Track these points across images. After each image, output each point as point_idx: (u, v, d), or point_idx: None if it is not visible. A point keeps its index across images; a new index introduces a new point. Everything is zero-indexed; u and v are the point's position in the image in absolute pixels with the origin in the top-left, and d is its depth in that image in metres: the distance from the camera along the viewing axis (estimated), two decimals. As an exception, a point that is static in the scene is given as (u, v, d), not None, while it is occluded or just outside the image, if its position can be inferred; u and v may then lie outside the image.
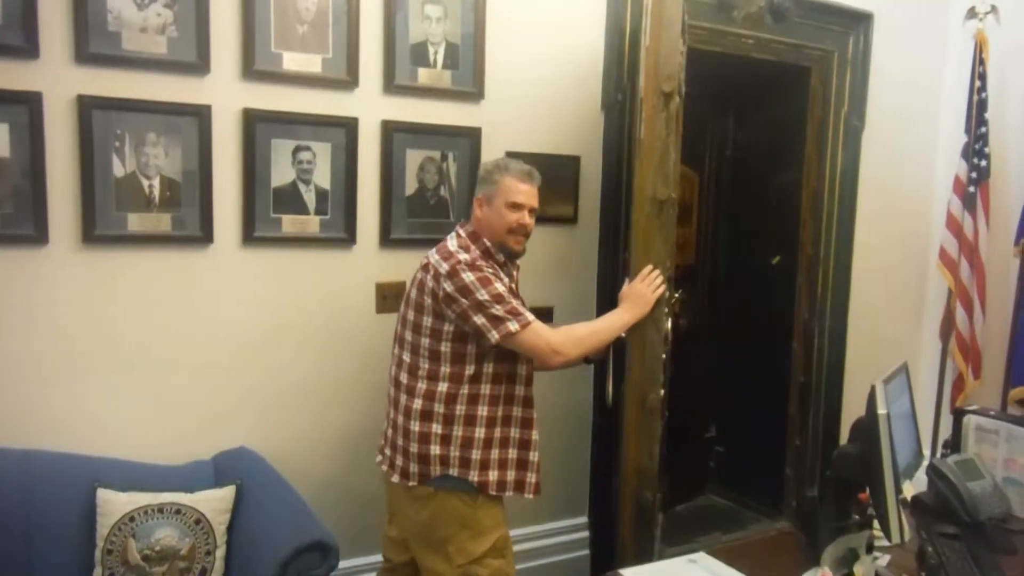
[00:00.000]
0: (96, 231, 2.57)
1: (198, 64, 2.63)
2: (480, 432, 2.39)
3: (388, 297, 3.05)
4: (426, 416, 2.38)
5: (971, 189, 3.80)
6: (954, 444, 2.74)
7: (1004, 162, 3.89)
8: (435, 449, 2.37)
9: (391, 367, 2.56)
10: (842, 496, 2.21)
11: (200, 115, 2.65)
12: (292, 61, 2.78)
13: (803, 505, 2.39)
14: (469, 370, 2.38)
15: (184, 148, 2.65)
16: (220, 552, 2.46)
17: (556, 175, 3.31)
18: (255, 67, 2.72)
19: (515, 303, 2.36)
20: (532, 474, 2.48)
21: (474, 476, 2.39)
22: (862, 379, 2.16)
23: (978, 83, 3.80)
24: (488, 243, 2.48)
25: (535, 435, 2.50)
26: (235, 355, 2.83)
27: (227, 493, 2.53)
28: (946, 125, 4.18)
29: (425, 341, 2.39)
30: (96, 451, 2.59)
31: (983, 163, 3.79)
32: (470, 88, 3.10)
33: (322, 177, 2.87)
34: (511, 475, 2.46)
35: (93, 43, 2.49)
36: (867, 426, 2.10)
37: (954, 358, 3.91)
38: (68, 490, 2.43)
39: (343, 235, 2.94)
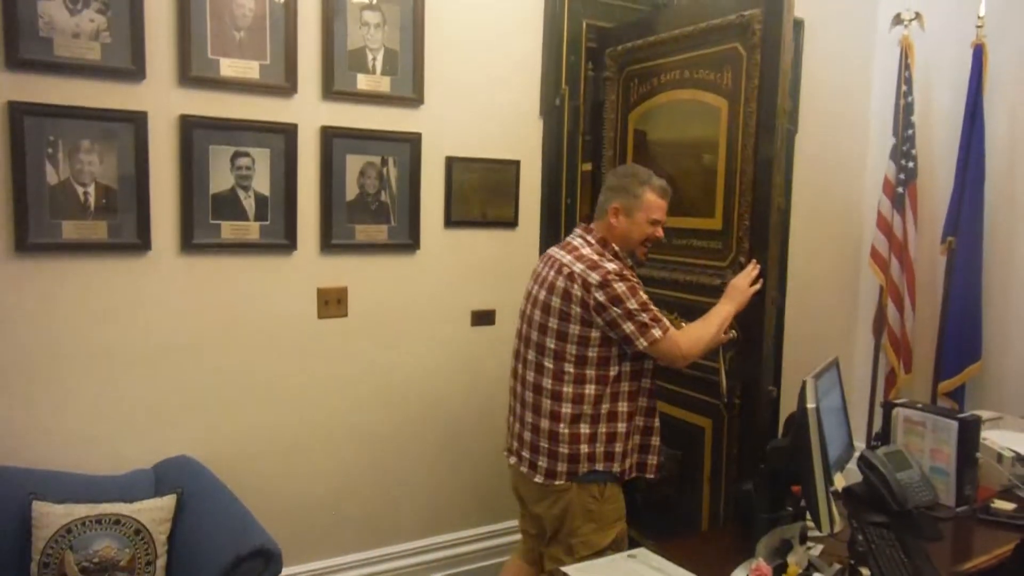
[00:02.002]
0: (29, 239, 2.53)
1: (133, 70, 2.61)
2: (622, 427, 2.51)
3: (329, 302, 3.05)
4: (576, 419, 2.47)
5: (900, 190, 3.92)
6: (884, 436, 2.83)
7: (930, 163, 4.02)
8: (584, 448, 2.48)
9: (521, 372, 2.62)
10: (775, 489, 2.27)
11: (136, 121, 2.63)
12: (229, 67, 2.77)
13: (738, 498, 2.44)
14: (612, 371, 2.48)
15: (120, 155, 2.62)
16: (161, 562, 2.43)
17: (496, 179, 3.36)
18: (191, 73, 2.70)
19: (655, 310, 2.46)
20: (653, 456, 2.61)
21: (617, 467, 2.53)
22: (798, 375, 2.24)
23: (904, 87, 3.92)
24: (617, 249, 2.56)
25: (657, 421, 2.62)
26: (175, 363, 2.80)
27: (167, 502, 2.50)
28: (875, 128, 4.32)
29: (571, 348, 2.46)
30: (31, 463, 2.56)
31: (910, 164, 3.91)
32: (410, 94, 3.12)
33: (261, 183, 2.87)
34: (635, 459, 2.58)
35: (23, 49, 2.46)
36: (798, 420, 2.17)
37: (886, 353, 4.03)
38: (1, 503, 2.39)
39: (283, 241, 2.93)
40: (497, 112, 3.34)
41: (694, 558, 2.21)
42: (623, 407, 2.52)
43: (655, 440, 2.61)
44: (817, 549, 2.29)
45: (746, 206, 2.78)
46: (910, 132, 3.92)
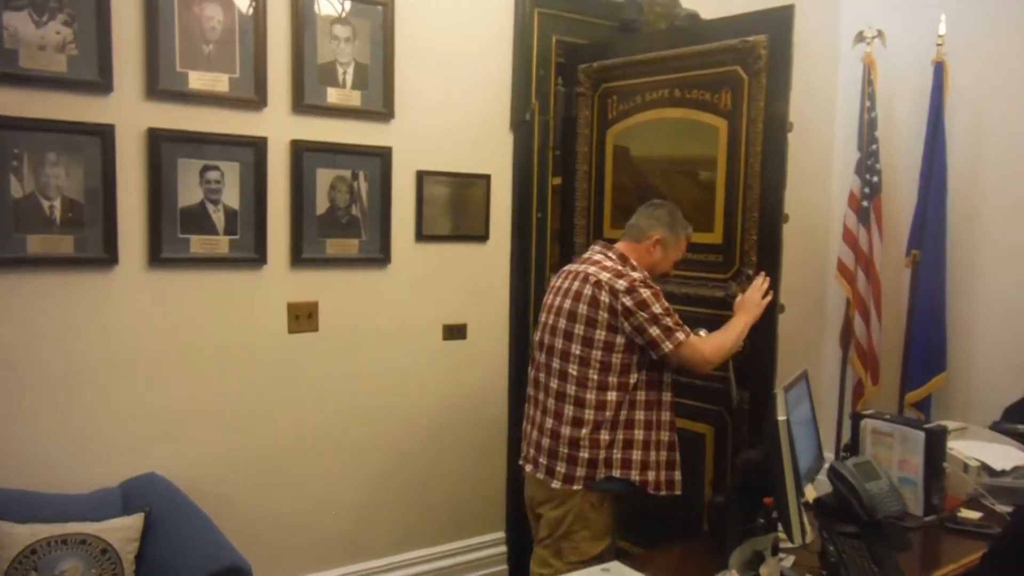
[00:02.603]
0: (-7, 254, 2.49)
1: (100, 83, 2.59)
2: (639, 435, 2.56)
3: (300, 317, 3.03)
4: (598, 425, 2.52)
5: (865, 203, 3.99)
6: (852, 447, 2.85)
7: (894, 177, 4.09)
8: (603, 453, 2.53)
9: (544, 380, 2.65)
10: (748, 500, 2.29)
11: (103, 134, 2.60)
12: (198, 80, 2.75)
13: (712, 510, 2.45)
14: (632, 378, 2.55)
15: (86, 168, 2.59)
16: (129, 582, 2.40)
17: (467, 193, 3.37)
18: (160, 86, 2.68)
19: (677, 316, 2.55)
20: (677, 472, 2.65)
21: (636, 476, 2.55)
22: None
23: (868, 103, 3.99)
24: (636, 266, 2.65)
25: (676, 436, 2.67)
26: (142, 379, 2.76)
27: (135, 521, 2.46)
28: (839, 143, 4.39)
29: (597, 353, 2.52)
30: (-6, 482, 2.50)
31: (875, 179, 3.98)
32: (380, 108, 3.11)
33: (231, 197, 2.84)
34: (664, 475, 2.61)
35: (-12, 61, 2.43)
36: (769, 432, 2.18)
37: (853, 365, 4.09)
38: (-37, 524, 2.33)
39: (253, 255, 2.91)
40: (467, 126, 3.35)
41: (668, 571, 2.22)
42: (640, 415, 2.57)
43: (677, 456, 2.67)
44: (789, 560, 2.30)
45: (752, 221, 2.89)
46: (874, 147, 3.99)
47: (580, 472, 2.53)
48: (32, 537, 2.32)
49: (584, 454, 2.53)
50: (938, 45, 3.80)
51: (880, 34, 3.98)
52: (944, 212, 3.81)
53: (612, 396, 2.53)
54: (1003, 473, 2.80)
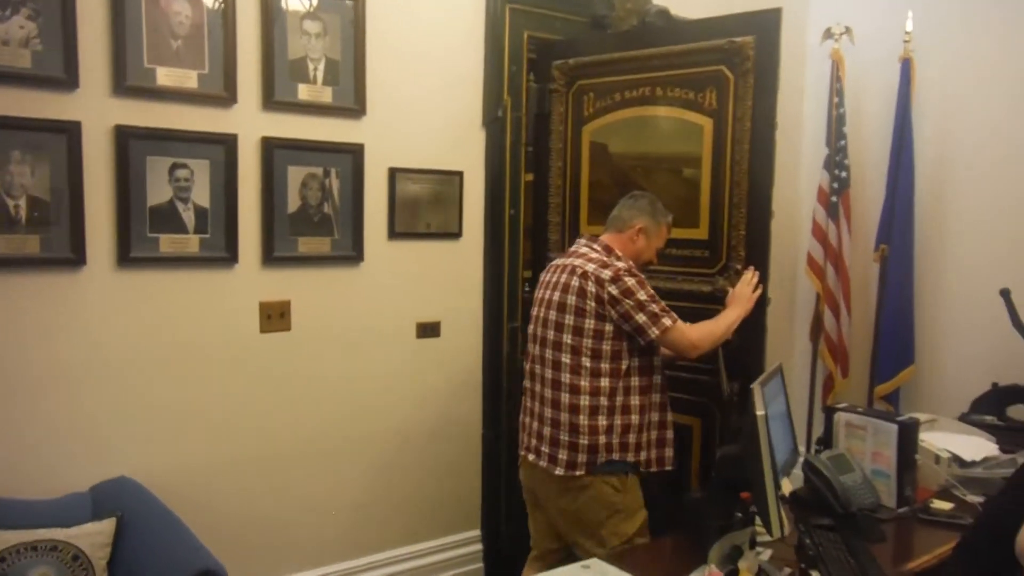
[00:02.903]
0: (-44, 254, 2.43)
1: (65, 79, 2.53)
2: (635, 419, 2.64)
3: (272, 316, 2.99)
4: (594, 411, 2.60)
5: (833, 199, 4.02)
6: (826, 440, 2.88)
7: (863, 173, 4.14)
8: (602, 439, 2.60)
9: (539, 371, 2.72)
10: (726, 496, 2.30)
11: (69, 132, 2.54)
12: (167, 76, 2.70)
13: (689, 506, 2.46)
14: (624, 364, 2.62)
15: (52, 166, 2.53)
16: (101, 589, 2.35)
17: (440, 190, 3.35)
18: (127, 82, 2.63)
19: (663, 303, 2.63)
20: (669, 449, 2.75)
21: (632, 457, 2.64)
22: (740, 381, 2.32)
23: (836, 99, 4.03)
24: (620, 256, 2.72)
25: (670, 416, 2.77)
26: (112, 381, 2.71)
27: (107, 526, 2.42)
28: (808, 138, 4.42)
29: (587, 342, 2.60)
30: (-40, 489, 2.44)
31: (843, 174, 4.02)
32: (351, 104, 3.08)
33: (201, 195, 2.80)
34: (654, 453, 2.71)
35: (-52, 57, 2.36)
36: (747, 427, 2.19)
37: (823, 359, 4.12)
38: (-72, 533, 2.28)
39: (224, 254, 2.86)
40: (440, 123, 3.33)
41: (647, 567, 2.22)
42: (635, 400, 2.65)
43: (669, 433, 2.76)
44: (766, 554, 2.31)
45: (740, 217, 2.97)
46: (842, 143, 4.03)
47: (581, 458, 2.59)
48: (1, 544, 2.27)
49: (584, 440, 2.59)
50: (905, 42, 3.84)
51: (848, 31, 4.01)
52: (912, 207, 3.86)
53: (605, 382, 2.60)
54: (973, 464, 2.85)
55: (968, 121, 3.83)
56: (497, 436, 3.58)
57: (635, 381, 2.65)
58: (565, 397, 2.62)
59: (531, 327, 2.80)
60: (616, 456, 2.61)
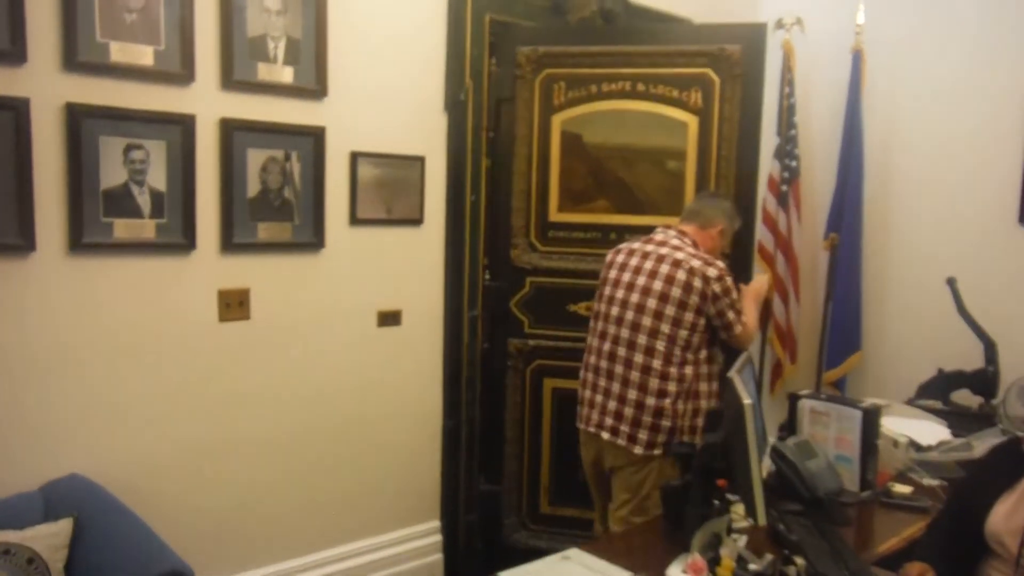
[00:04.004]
0: None
1: (12, 53, 2.36)
2: (703, 403, 2.86)
3: (231, 305, 2.88)
4: (677, 396, 2.81)
5: (784, 188, 4.08)
6: (790, 427, 2.92)
7: (812, 162, 4.21)
8: (681, 422, 2.82)
9: (624, 354, 2.86)
10: (707, 483, 2.31)
11: (16, 110, 2.37)
12: (120, 52, 2.55)
13: (666, 494, 2.46)
14: (703, 354, 2.86)
15: (-1, 146, 2.37)
16: (60, 593, 2.23)
17: (402, 176, 3.27)
18: (78, 58, 2.47)
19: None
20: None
21: (696, 439, 2.79)
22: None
23: (787, 89, 4.08)
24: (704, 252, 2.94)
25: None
26: (62, 373, 2.57)
27: (63, 527, 2.29)
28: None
29: (683, 332, 2.79)
30: (-100, 491, 2.28)
31: (793, 163, 4.07)
32: (312, 85, 2.98)
33: (157, 178, 2.66)
34: (699, 437, 2.84)
35: None
36: (731, 416, 2.20)
37: (773, 345, 4.19)
38: None
39: (181, 240, 2.74)
40: (402, 106, 3.25)
41: (627, 555, 2.21)
42: (703, 386, 2.87)
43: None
44: (742, 540, 2.33)
45: None
46: (793, 132, 4.08)
47: (661, 438, 2.81)
48: (-50, 549, 2.13)
49: (667, 423, 2.80)
50: (856, 34, 3.91)
51: (799, 21, 4.06)
52: (861, 196, 3.94)
53: (689, 370, 2.82)
54: (929, 448, 2.93)
55: (916, 112, 3.93)
56: (457, 425, 3.54)
57: (705, 369, 2.87)
58: (654, 382, 2.80)
59: (608, 307, 2.92)
60: (686, 438, 2.82)
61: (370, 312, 3.26)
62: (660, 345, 2.80)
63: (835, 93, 4.06)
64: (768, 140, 4.19)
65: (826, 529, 2.32)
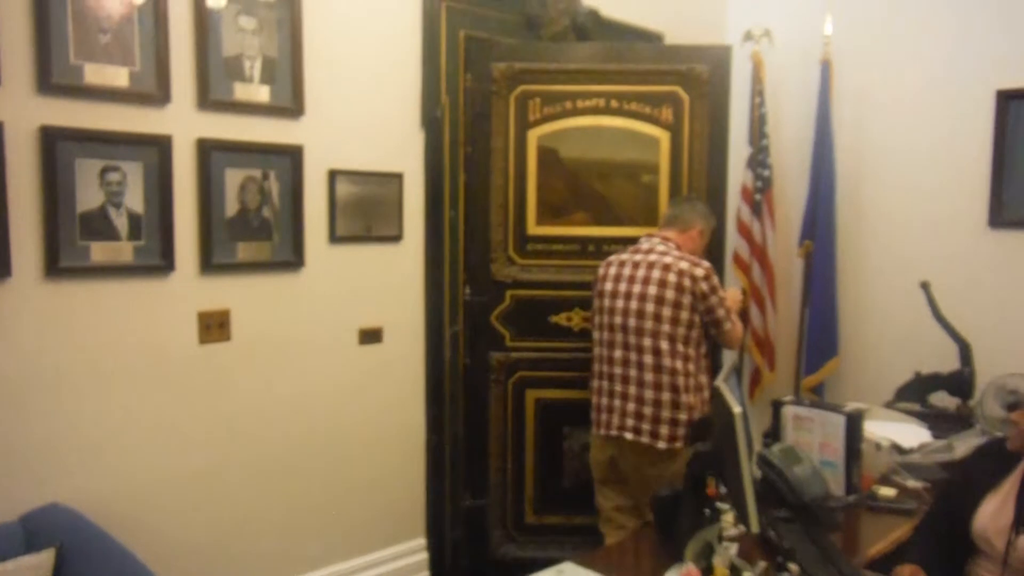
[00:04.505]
0: None
1: (-15, 76, 2.33)
2: (706, 394, 3.05)
3: (211, 326, 2.84)
4: (687, 389, 2.98)
5: (757, 196, 4.12)
6: (774, 433, 2.94)
7: (785, 171, 4.26)
8: (695, 414, 2.99)
9: (635, 358, 3.02)
10: (698, 492, 2.31)
11: (-10, 133, 2.34)
12: (95, 73, 2.52)
13: (657, 505, 2.46)
14: (702, 349, 3.06)
15: (-29, 171, 2.32)
16: (43, 627, 2.18)
17: (380, 193, 3.27)
18: (53, 80, 2.44)
19: None
20: None
21: None
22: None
23: (758, 99, 4.13)
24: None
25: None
26: (41, 400, 2.51)
27: (45, 559, 2.24)
28: (731, 138, 4.49)
29: (682, 330, 2.98)
30: None
31: (766, 172, 4.12)
32: (289, 104, 2.96)
33: (134, 200, 2.63)
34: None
35: None
36: (722, 425, 2.21)
37: (751, 352, 4.22)
38: None
39: (159, 262, 2.70)
40: (379, 123, 3.24)
41: (621, 567, 2.22)
42: (703, 379, 3.06)
43: None
44: (733, 548, 2.34)
45: None
46: (765, 142, 4.13)
47: (681, 431, 2.97)
48: (-70, 585, 2.08)
49: (683, 416, 2.97)
50: (824, 45, 3.97)
51: (768, 33, 4.12)
52: (833, 204, 3.99)
53: (692, 365, 3.01)
54: (911, 451, 2.97)
55: (884, 121, 4.00)
56: (441, 441, 3.52)
57: (703, 363, 3.07)
58: (666, 379, 2.97)
59: (610, 317, 3.08)
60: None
61: (351, 330, 3.24)
62: (664, 344, 2.97)
63: (806, 103, 4.12)
64: (741, 150, 4.25)
65: (816, 534, 2.33)
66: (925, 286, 3.63)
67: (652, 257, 3.04)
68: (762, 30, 4.14)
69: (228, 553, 2.96)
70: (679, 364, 2.97)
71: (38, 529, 2.39)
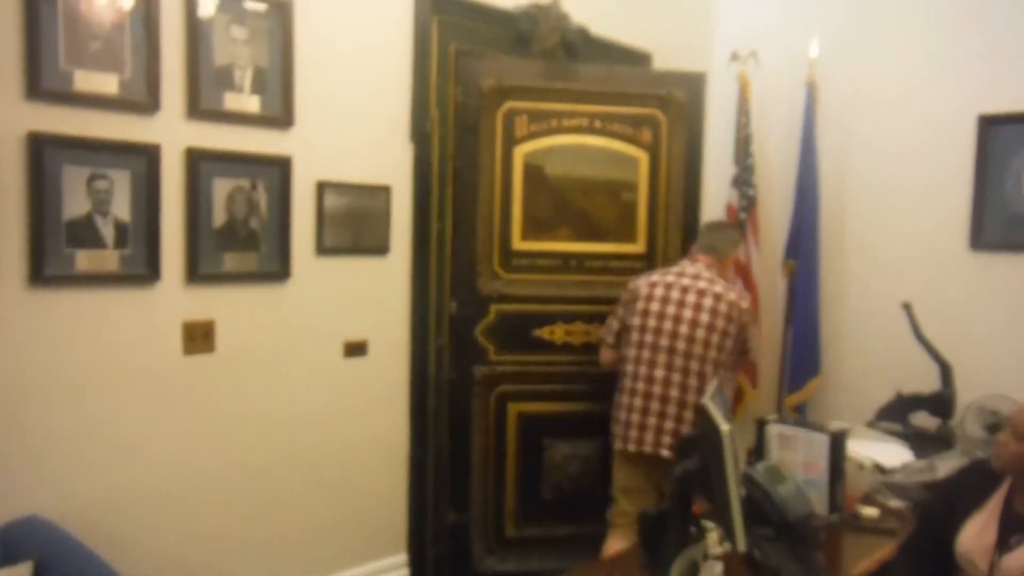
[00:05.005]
0: None
1: (-27, 81, 2.30)
2: None
3: (196, 337, 2.82)
4: (694, 407, 3.11)
5: (742, 215, 4.15)
6: (758, 452, 2.95)
7: (769, 190, 4.30)
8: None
9: (680, 380, 3.16)
10: (684, 510, 2.32)
11: (-23, 139, 2.32)
12: (85, 80, 2.50)
13: (642, 523, 2.46)
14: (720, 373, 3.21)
15: (-42, 176, 2.30)
16: (20, 641, 2.14)
17: (368, 205, 3.26)
18: (42, 86, 2.42)
19: None
20: None
21: None
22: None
23: (743, 119, 4.17)
24: None
25: None
26: (21, 410, 2.48)
27: (23, 572, 2.20)
28: (713, 157, 4.51)
29: (713, 354, 3.17)
30: None
31: (751, 191, 4.16)
32: (279, 114, 2.95)
33: (121, 208, 2.61)
34: None
35: None
36: (709, 443, 2.21)
37: (734, 370, 4.24)
38: None
39: (145, 271, 2.68)
40: (368, 136, 3.24)
41: (607, 586, 2.21)
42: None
43: None
44: (718, 567, 2.34)
45: (674, 234, 3.76)
46: (749, 161, 4.17)
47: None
48: (-95, 598, 2.04)
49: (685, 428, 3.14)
50: (810, 67, 4.02)
51: (754, 54, 4.16)
52: (817, 223, 4.03)
53: (705, 384, 3.13)
54: (894, 471, 2.99)
55: (868, 143, 4.05)
56: (424, 455, 3.50)
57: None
58: (692, 398, 3.13)
59: (656, 338, 3.19)
60: None
61: (336, 342, 3.22)
62: (694, 365, 3.16)
63: (791, 123, 4.15)
64: (725, 169, 4.29)
65: (801, 553, 2.34)
66: (907, 307, 3.67)
67: (701, 284, 3.21)
68: (749, 51, 4.18)
69: (209, 566, 2.92)
70: (703, 385, 3.12)
71: (15, 541, 2.34)
